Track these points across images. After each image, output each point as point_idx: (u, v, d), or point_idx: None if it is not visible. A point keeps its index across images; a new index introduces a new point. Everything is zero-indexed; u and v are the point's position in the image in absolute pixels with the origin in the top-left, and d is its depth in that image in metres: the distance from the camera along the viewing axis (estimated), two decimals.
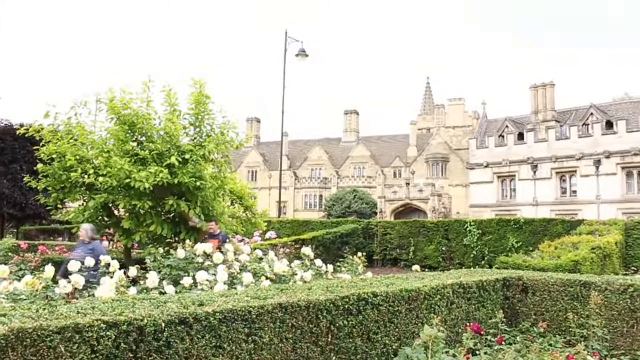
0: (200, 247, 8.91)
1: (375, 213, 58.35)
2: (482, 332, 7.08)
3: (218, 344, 4.79)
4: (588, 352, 7.87)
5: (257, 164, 79.32)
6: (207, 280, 7.73)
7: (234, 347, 4.92)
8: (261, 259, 9.93)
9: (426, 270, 13.42)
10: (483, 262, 19.74)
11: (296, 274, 9.33)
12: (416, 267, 11.00)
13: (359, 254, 11.75)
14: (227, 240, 11.63)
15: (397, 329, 6.90)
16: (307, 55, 31.39)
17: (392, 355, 6.74)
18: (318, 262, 10.45)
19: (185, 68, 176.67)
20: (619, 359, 7.72)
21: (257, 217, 13.98)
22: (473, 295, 8.48)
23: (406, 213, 56.09)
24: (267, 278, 8.64)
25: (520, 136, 48.38)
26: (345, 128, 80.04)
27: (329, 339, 6.01)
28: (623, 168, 42.17)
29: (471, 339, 6.80)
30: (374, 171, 71.92)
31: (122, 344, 4.08)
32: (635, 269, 15.65)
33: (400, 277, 8.34)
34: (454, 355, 6.45)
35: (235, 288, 7.69)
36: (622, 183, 42.09)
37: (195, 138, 12.12)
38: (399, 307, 6.90)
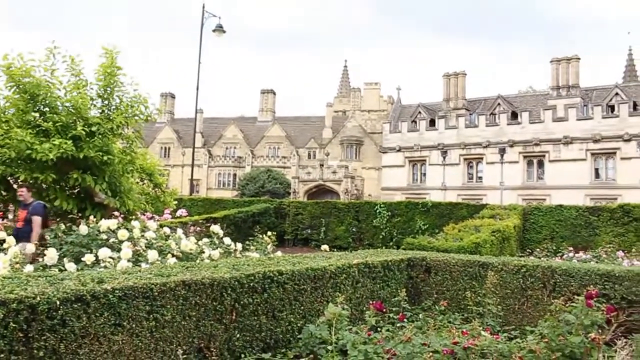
0: (105, 224, 8.62)
1: (289, 193, 58.57)
2: (384, 310, 7.28)
3: (117, 322, 4.67)
4: (483, 328, 8.30)
5: (170, 141, 77.47)
6: (111, 257, 7.51)
7: (134, 325, 4.82)
8: (169, 236, 9.74)
9: (335, 250, 13.63)
10: (392, 243, 20.30)
11: (204, 252, 9.22)
12: (325, 247, 11.15)
13: (269, 233, 11.78)
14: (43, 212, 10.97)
15: (302, 307, 6.99)
16: (224, 32, 30.84)
17: (297, 333, 6.83)
18: (227, 240, 10.38)
19: (98, 40, 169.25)
20: (510, 334, 8.15)
21: (166, 195, 13.68)
22: (378, 275, 8.71)
23: (319, 194, 56.63)
24: (173, 256, 8.49)
25: (432, 122, 49.85)
26: (262, 107, 79.53)
27: (234, 317, 6.01)
28: (525, 157, 44.42)
29: (374, 316, 6.98)
30: (289, 152, 72.00)
31: (11, 323, 3.89)
32: (530, 250, 16.59)
33: (308, 257, 8.44)
34: (357, 332, 6.60)
35: (140, 266, 7.51)
36: (523, 171, 44.36)
37: (103, 111, 11.61)
38: (304, 285, 6.98)
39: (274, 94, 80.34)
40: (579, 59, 47.32)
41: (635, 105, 42.29)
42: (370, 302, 7.49)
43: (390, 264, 9.02)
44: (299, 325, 6.90)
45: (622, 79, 66.49)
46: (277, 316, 6.60)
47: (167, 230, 9.95)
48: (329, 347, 6.34)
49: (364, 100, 73.35)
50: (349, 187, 56.95)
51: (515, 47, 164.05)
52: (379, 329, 7.33)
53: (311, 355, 6.42)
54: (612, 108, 43.19)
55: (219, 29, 30.52)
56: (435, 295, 9.55)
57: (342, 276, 7.72)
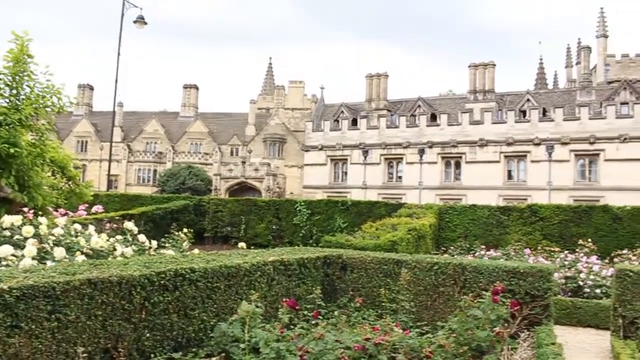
0: (8, 220, 8.17)
1: (210, 190, 57.78)
2: (297, 307, 7.31)
3: (14, 323, 4.44)
4: (396, 324, 8.47)
5: (88, 134, 74.62)
6: (13, 255, 7.13)
7: (33, 326, 4.60)
8: (80, 233, 9.36)
9: (255, 248, 13.56)
10: (311, 240, 20.40)
11: (116, 250, 8.93)
12: (242, 244, 11.05)
13: (185, 229, 11.57)
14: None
15: (215, 305, 6.90)
16: (145, 23, 30.03)
17: (209, 331, 6.73)
18: (142, 237, 10.10)
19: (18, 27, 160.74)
20: (422, 329, 8.37)
21: (82, 187, 13.12)
22: (294, 272, 8.72)
23: (241, 191, 56.18)
24: (82, 253, 8.16)
25: (354, 122, 50.49)
26: (184, 102, 77.96)
27: (143, 316, 5.85)
28: (443, 158, 45.80)
29: (287, 314, 6.98)
30: (211, 148, 70.97)
31: None
32: (445, 248, 17.10)
33: (223, 254, 8.34)
34: (270, 330, 6.58)
35: (45, 264, 7.17)
36: (441, 171, 45.73)
37: (11, 101, 11.00)
38: (218, 283, 6.89)
39: (197, 89, 78.98)
40: (494, 65, 49.22)
41: (544, 112, 44.44)
42: (286, 299, 7.50)
43: (307, 261, 9.05)
44: (212, 323, 6.80)
45: (533, 86, 69.79)
46: (190, 314, 6.48)
47: (78, 226, 9.55)
48: (242, 346, 6.29)
49: (288, 98, 73.41)
50: (271, 185, 56.82)
51: (439, 53, 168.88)
52: (293, 327, 7.34)
53: (223, 354, 6.34)
54: (524, 113, 45.21)
55: (140, 20, 29.69)
56: (351, 292, 9.67)
57: (257, 274, 7.67)
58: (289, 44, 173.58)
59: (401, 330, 7.24)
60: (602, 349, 9.54)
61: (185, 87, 78.21)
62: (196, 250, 10.51)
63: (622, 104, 42.94)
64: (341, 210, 20.82)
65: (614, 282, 9.21)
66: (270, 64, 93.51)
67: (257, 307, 6.72)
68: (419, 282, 9.29)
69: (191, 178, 59.14)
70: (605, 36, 58.02)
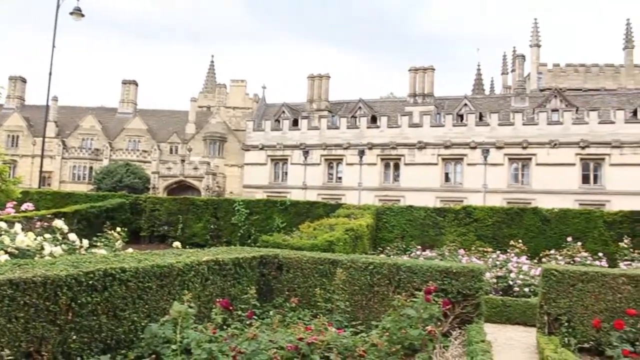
0: None
1: (148, 189, 56.61)
2: (231, 308, 7.24)
3: None
4: (331, 323, 8.50)
5: (19, 129, 71.74)
6: None
7: None
8: (6, 232, 8.99)
9: (192, 247, 13.34)
10: (250, 240, 20.25)
11: (44, 249, 8.62)
12: (177, 243, 10.88)
13: (118, 228, 11.28)
14: None
15: (147, 306, 6.75)
16: (82, 15, 29.06)
17: (140, 333, 6.58)
18: (72, 236, 9.80)
19: None
20: (357, 329, 8.44)
21: (9, 183, 12.62)
22: (229, 272, 8.64)
23: (180, 190, 55.31)
24: (6, 253, 7.84)
25: (295, 122, 50.49)
26: (123, 99, 76.15)
27: (70, 317, 5.66)
28: (382, 159, 46.40)
29: (220, 314, 6.91)
30: (150, 146, 69.52)
31: None
32: (382, 249, 17.31)
33: (157, 253, 8.18)
34: (202, 331, 6.49)
35: None
36: (381, 173, 46.31)
37: None
38: (149, 283, 6.74)
39: (137, 85, 77.26)
40: (434, 69, 50.22)
41: (481, 116, 45.68)
42: (219, 299, 7.41)
43: (242, 261, 8.99)
44: (143, 324, 6.65)
45: (471, 91, 71.67)
46: (119, 315, 6.32)
47: (3, 225, 9.18)
48: (173, 347, 6.18)
49: (229, 97, 72.81)
50: (210, 184, 56.19)
51: (381, 56, 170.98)
52: (227, 327, 7.27)
53: (154, 356, 6.21)
54: (462, 117, 46.33)
55: (77, 12, 28.74)
56: (287, 292, 9.67)
57: (190, 273, 7.56)
58: (231, 42, 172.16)
59: (335, 330, 7.28)
60: (528, 345, 9.86)
61: (125, 82, 76.38)
62: (130, 250, 10.27)
63: (553, 111, 44.60)
64: (280, 210, 20.77)
65: (541, 281, 9.54)
66: (212, 62, 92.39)
67: (190, 307, 6.62)
68: (354, 282, 9.38)
69: (129, 176, 57.79)
70: (538, 46, 60.18)
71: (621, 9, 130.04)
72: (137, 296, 6.56)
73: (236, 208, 21.49)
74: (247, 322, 7.65)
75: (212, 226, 22.02)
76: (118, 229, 11.33)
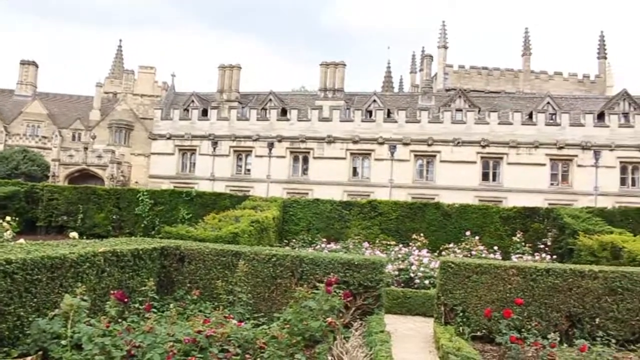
0: None
1: (48, 177, 53.82)
2: (126, 300, 7.00)
3: None
4: (232, 316, 8.42)
5: None
6: None
7: None
8: None
9: (90, 238, 12.79)
10: (154, 232, 19.71)
11: None
12: (74, 234, 10.41)
13: (8, 218, 10.63)
14: None
15: (35, 299, 6.40)
16: None
17: (27, 329, 6.22)
18: None
19: None
20: (259, 321, 8.41)
21: None
22: (128, 264, 8.36)
23: (83, 179, 52.95)
24: None
25: (205, 112, 49.59)
26: (21, 80, 71.70)
27: None
28: (291, 152, 46.48)
29: (115, 307, 6.66)
30: (50, 132, 65.95)
31: None
32: (288, 241, 17.35)
33: (49, 244, 7.78)
34: (95, 325, 6.23)
35: None
36: (290, 166, 46.38)
37: None
38: (39, 275, 6.39)
39: (37, 66, 73.07)
40: (345, 65, 50.81)
41: (389, 113, 46.72)
42: (114, 292, 7.15)
43: (142, 252, 8.71)
44: (30, 319, 6.29)
45: (381, 88, 73.20)
46: (3, 310, 5.93)
47: None
48: (63, 342, 5.90)
49: (137, 83, 70.37)
50: (114, 173, 54.15)
51: (295, 49, 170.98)
52: (123, 321, 7.02)
53: (41, 352, 5.89)
54: (370, 113, 47.16)
55: None
56: (189, 285, 9.49)
57: (85, 265, 7.23)
58: (140, 27, 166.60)
59: (235, 322, 7.21)
60: (426, 335, 10.19)
61: (23, 63, 72.02)
62: (22, 240, 9.73)
63: (457, 110, 46.31)
64: (185, 201, 20.35)
65: (439, 273, 9.89)
66: (119, 46, 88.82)
67: (83, 300, 6.34)
68: (257, 274, 9.33)
69: (26, 163, 54.61)
70: (445, 47, 62.28)
71: (522, 18, 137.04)
72: (25, 289, 6.20)
73: (140, 198, 20.85)
74: (146, 315, 7.43)
75: (114, 217, 21.26)
76: (8, 218, 10.67)
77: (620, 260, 12.88)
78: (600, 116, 44.40)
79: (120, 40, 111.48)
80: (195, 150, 48.43)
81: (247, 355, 6.39)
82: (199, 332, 6.33)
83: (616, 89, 55.86)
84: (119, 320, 6.84)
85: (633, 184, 42.17)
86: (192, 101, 51.51)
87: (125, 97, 68.73)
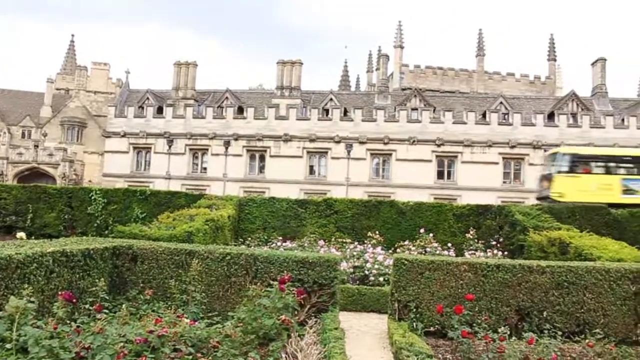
0: None
1: None
2: (75, 301, 6.87)
3: None
4: (186, 315, 8.36)
5: None
6: None
7: None
8: None
9: (41, 238, 12.48)
10: (107, 231, 19.33)
11: None
12: (21, 234, 10.17)
13: None
14: None
15: None
16: None
17: None
18: None
19: None
20: (213, 320, 8.37)
21: None
22: (78, 264, 8.20)
23: (33, 178, 51.53)
24: None
25: (160, 110, 48.96)
26: None
27: None
28: (248, 150, 46.30)
29: (63, 308, 6.53)
30: None
31: None
32: (243, 240, 17.28)
33: None
34: (42, 327, 6.08)
35: None
36: (246, 164, 46.21)
37: None
38: None
39: None
40: (301, 63, 50.84)
41: (345, 112, 46.99)
42: (62, 292, 7.00)
43: (93, 252, 8.56)
44: None
45: (338, 87, 73.51)
46: None
47: None
48: (8, 346, 5.74)
49: (90, 80, 68.93)
50: (67, 172, 52.94)
51: (254, 48, 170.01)
52: (73, 322, 6.89)
53: None
54: (327, 112, 47.36)
55: None
56: (142, 284, 9.37)
57: (32, 266, 7.06)
58: (93, 23, 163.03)
59: (187, 321, 7.16)
60: (381, 331, 10.30)
61: None
62: None
63: (412, 109, 46.92)
64: (140, 200, 20.00)
65: (392, 270, 10.01)
66: (72, 41, 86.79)
67: (30, 302, 6.18)
68: (211, 273, 9.28)
69: None
70: (402, 47, 62.92)
71: (477, 19, 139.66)
72: None
73: (93, 197, 20.40)
74: (97, 316, 7.30)
75: (66, 216, 20.74)
76: None
77: (568, 255, 13.27)
78: (550, 116, 45.64)
79: (73, 36, 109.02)
80: (150, 148, 47.76)
81: (199, 355, 6.35)
82: (151, 332, 6.26)
83: (565, 90, 57.51)
84: (68, 322, 6.70)
85: None
86: (147, 98, 50.77)
87: (78, 93, 67.21)
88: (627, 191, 26.80)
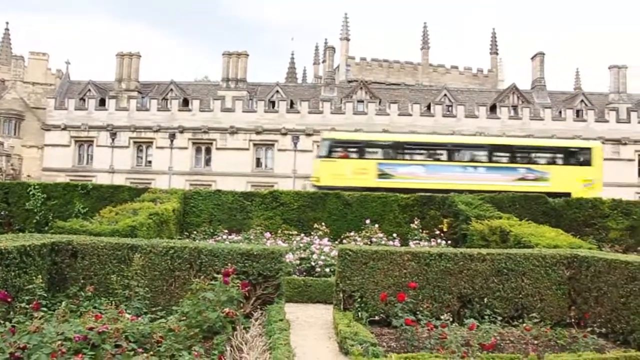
0: None
1: None
2: (9, 300, 6.67)
3: None
4: (129, 311, 8.23)
5: None
6: None
7: None
8: None
9: None
10: (47, 227, 18.72)
11: None
12: None
13: None
14: None
15: None
16: None
17: None
18: None
19: None
20: (156, 315, 8.25)
21: None
22: (13, 262, 7.94)
23: None
24: None
25: (103, 102, 47.80)
26: None
27: None
28: (194, 143, 45.75)
29: None
30: None
31: None
32: (189, 233, 17.07)
33: None
34: None
35: None
36: (192, 157, 45.66)
37: None
38: None
39: None
40: (247, 55, 50.46)
41: (292, 104, 46.98)
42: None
43: (30, 249, 8.29)
44: None
45: (285, 79, 73.28)
46: None
47: None
48: None
49: (28, 70, 66.34)
50: (3, 166, 50.98)
51: (200, 40, 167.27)
52: (5, 322, 6.67)
53: None
54: (274, 104, 47.24)
55: None
56: (83, 281, 9.16)
57: None
58: (31, 10, 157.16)
59: (128, 317, 7.05)
60: (326, 321, 10.38)
61: None
62: None
63: (359, 101, 47.31)
64: (81, 195, 19.45)
65: (337, 261, 10.10)
66: (7, 29, 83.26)
67: None
68: (154, 267, 9.15)
69: None
70: (348, 39, 63.22)
71: (423, 12, 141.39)
72: None
73: (31, 192, 19.72)
74: (34, 315, 7.09)
75: (2, 212, 19.99)
76: None
77: (508, 243, 13.67)
78: (493, 108, 46.84)
79: (7, 23, 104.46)
80: (92, 141, 46.61)
81: (140, 349, 6.25)
82: (91, 328, 6.14)
83: (507, 82, 59.04)
84: (2, 322, 6.49)
85: None
86: (89, 90, 49.44)
87: (14, 84, 64.67)
88: (383, 175, 27.96)
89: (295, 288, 12.74)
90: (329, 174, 27.40)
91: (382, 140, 31.32)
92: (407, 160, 29.09)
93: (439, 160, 29.62)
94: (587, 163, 29.98)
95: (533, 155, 30.38)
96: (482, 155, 29.86)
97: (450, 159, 29.46)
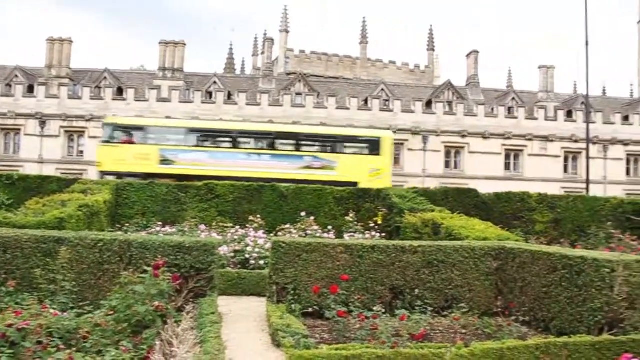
0: None
1: None
2: None
3: None
4: (54, 306, 7.98)
5: None
6: None
7: None
8: None
9: None
10: None
11: None
12: None
13: None
14: None
15: None
16: None
17: None
18: None
19: None
20: (84, 309, 8.05)
21: None
22: None
23: None
24: None
25: (31, 89, 45.84)
26: None
27: None
28: None
29: None
30: None
31: None
32: (121, 226, 16.66)
33: None
34: None
35: None
36: None
37: None
38: None
39: None
40: (185, 44, 49.56)
41: (230, 95, 46.46)
42: None
43: None
44: None
45: (223, 70, 72.33)
46: None
47: None
48: None
49: None
50: None
51: (139, 29, 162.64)
52: None
53: None
54: (211, 95, 46.59)
55: None
56: (4, 275, 8.82)
57: None
58: None
59: (52, 312, 6.84)
60: (260, 314, 10.36)
61: None
62: None
63: (297, 94, 47.27)
64: (6, 186, 18.63)
65: (271, 253, 10.10)
66: None
67: None
68: (82, 261, 8.90)
69: None
70: (287, 31, 63.02)
71: (361, 7, 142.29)
72: None
73: None
74: None
75: None
76: None
77: (440, 235, 14.00)
78: (429, 104, 47.76)
79: None
80: (19, 130, 44.72)
81: (64, 346, 6.08)
82: (10, 325, 5.91)
83: (442, 79, 60.25)
84: None
85: (455, 166, 46.08)
86: (16, 76, 47.32)
87: None
88: (165, 161, 28.55)
89: (229, 281, 12.65)
90: (111, 159, 27.13)
91: (164, 125, 31.33)
92: (190, 146, 29.02)
93: (223, 147, 29.62)
94: (377, 153, 30.45)
95: (320, 144, 30.80)
96: (267, 143, 30.18)
97: (235, 146, 29.68)
